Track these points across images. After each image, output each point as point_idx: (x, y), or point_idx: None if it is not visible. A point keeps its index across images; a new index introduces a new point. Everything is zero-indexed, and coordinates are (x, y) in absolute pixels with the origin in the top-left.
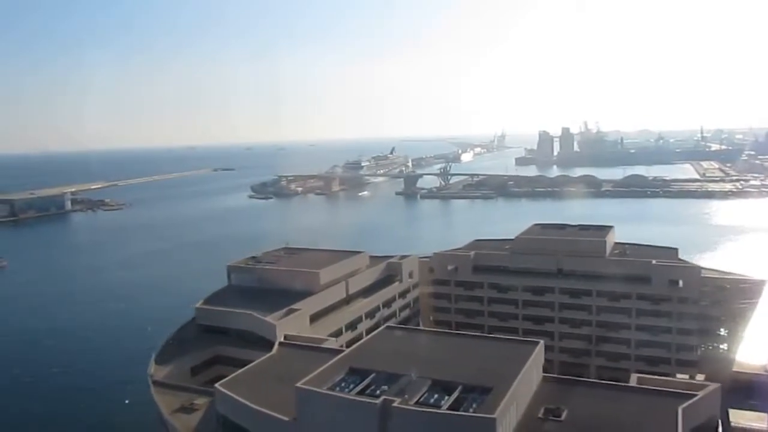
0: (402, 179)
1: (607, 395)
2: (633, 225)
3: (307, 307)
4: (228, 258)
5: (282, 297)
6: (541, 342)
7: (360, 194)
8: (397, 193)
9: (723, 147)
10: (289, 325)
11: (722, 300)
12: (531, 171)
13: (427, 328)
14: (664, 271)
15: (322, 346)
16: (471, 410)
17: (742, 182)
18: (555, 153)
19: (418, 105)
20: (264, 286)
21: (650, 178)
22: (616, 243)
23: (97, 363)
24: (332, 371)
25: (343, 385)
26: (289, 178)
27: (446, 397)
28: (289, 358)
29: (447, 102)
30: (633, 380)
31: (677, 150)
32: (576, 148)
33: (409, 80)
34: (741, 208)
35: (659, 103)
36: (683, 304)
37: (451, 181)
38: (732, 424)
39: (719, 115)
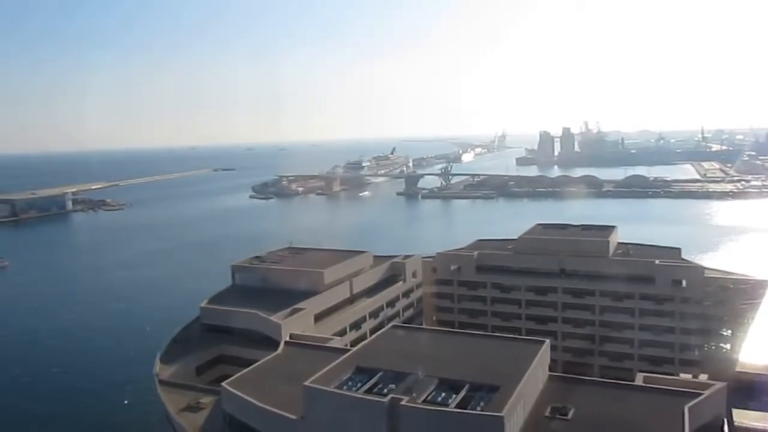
0: (403, 179)
1: (613, 394)
2: (634, 225)
3: (312, 306)
4: (229, 258)
5: (286, 296)
6: (547, 341)
7: (361, 194)
8: (398, 194)
9: (724, 147)
10: (293, 324)
11: (725, 300)
12: (532, 171)
13: (432, 328)
14: (668, 271)
15: (328, 345)
16: (478, 409)
17: (742, 183)
18: (556, 153)
19: (419, 105)
20: (268, 285)
21: (651, 178)
22: (619, 243)
23: (97, 363)
24: (339, 370)
25: (350, 383)
26: (290, 178)
27: (453, 396)
28: (295, 357)
29: (447, 102)
30: (639, 379)
31: (678, 150)
32: (577, 148)
33: (410, 80)
34: (742, 208)
35: (660, 103)
36: (686, 304)
37: (452, 182)
38: (735, 423)
39: (720, 115)
